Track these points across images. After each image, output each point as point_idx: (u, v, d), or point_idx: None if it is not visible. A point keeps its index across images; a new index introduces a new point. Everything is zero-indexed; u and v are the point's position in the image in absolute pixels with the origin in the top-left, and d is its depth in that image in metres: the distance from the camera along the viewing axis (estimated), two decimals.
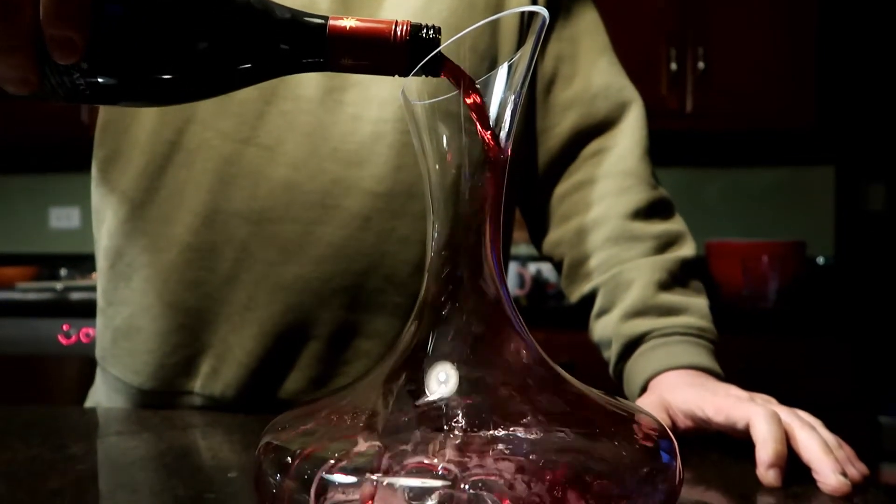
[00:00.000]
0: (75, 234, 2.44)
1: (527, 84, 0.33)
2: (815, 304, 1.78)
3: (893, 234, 2.14)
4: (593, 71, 0.66)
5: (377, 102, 0.58)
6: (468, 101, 0.32)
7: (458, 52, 0.35)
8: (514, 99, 0.32)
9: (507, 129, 0.33)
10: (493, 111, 0.32)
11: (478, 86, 0.32)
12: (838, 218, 2.15)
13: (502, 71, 0.32)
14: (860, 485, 0.40)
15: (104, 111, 0.63)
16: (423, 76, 0.33)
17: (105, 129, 0.62)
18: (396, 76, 0.34)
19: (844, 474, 0.39)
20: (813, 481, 0.40)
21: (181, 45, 0.31)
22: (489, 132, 0.32)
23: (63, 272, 2.24)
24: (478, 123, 0.32)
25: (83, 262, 2.28)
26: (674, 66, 1.88)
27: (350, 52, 0.33)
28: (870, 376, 1.68)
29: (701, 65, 1.88)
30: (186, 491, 0.38)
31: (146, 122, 0.60)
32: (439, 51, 0.33)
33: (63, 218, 2.45)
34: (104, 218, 0.63)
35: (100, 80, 0.31)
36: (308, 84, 0.58)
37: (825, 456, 0.40)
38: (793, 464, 0.41)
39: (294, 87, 0.58)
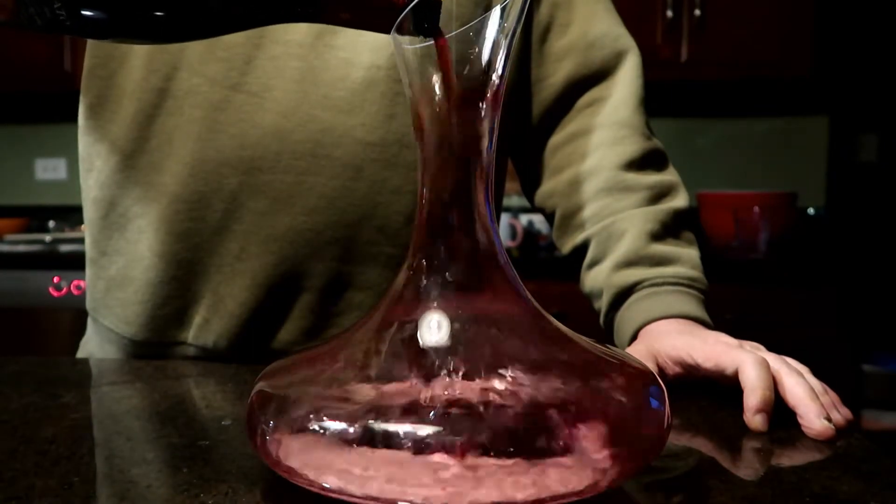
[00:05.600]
0: (62, 186, 2.41)
1: (520, 27, 0.32)
2: (806, 255, 1.79)
3: (885, 185, 2.15)
4: (589, 19, 0.64)
5: (370, 47, 0.57)
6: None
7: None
8: (507, 43, 0.32)
9: (498, 75, 0.32)
10: (484, 55, 0.31)
11: (471, 31, 0.32)
12: (830, 169, 2.15)
13: (495, 13, 0.31)
14: (844, 430, 0.41)
15: (89, 57, 0.61)
16: (419, 37, 0.32)
17: (90, 74, 0.61)
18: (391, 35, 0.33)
19: (829, 419, 0.40)
20: (798, 426, 0.40)
21: None
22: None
23: (51, 224, 2.23)
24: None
25: (71, 214, 2.26)
26: (670, 13, 1.85)
27: (348, 6, 0.32)
28: (855, 326, 1.71)
29: (697, 12, 1.85)
30: (181, 438, 0.39)
31: (133, 68, 0.58)
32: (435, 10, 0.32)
33: (49, 169, 2.42)
34: (93, 167, 0.62)
35: (81, 11, 0.30)
36: (298, 28, 0.56)
37: (811, 401, 0.41)
38: (779, 409, 0.41)
39: (283, 31, 0.56)
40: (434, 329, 0.31)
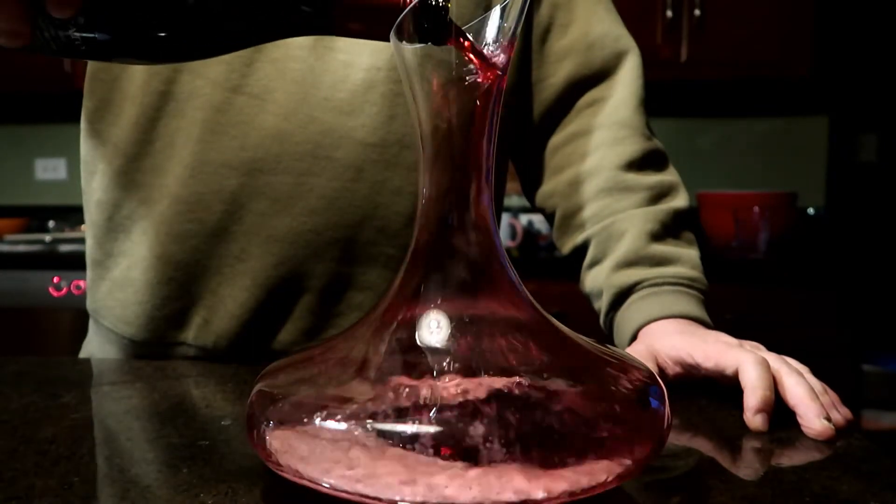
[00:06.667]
0: (62, 186, 2.41)
1: (520, 27, 0.32)
2: (806, 255, 1.79)
3: (885, 185, 2.14)
4: (590, 19, 0.64)
5: (370, 50, 0.57)
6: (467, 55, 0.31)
7: None
8: (507, 43, 0.32)
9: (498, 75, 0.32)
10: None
11: (471, 34, 0.32)
12: (830, 169, 2.15)
13: (495, 13, 0.31)
14: (843, 430, 0.41)
15: (92, 62, 0.61)
16: (427, 43, 0.32)
17: (94, 79, 0.61)
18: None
19: (829, 419, 0.40)
20: (798, 426, 0.41)
21: (182, 3, 0.30)
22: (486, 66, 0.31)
23: (51, 224, 2.23)
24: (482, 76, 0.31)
25: (71, 214, 2.26)
26: (670, 13, 1.85)
27: (357, 16, 0.32)
28: (854, 326, 1.71)
29: (697, 12, 1.85)
30: (181, 438, 0.39)
31: (135, 71, 0.58)
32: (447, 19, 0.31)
33: (49, 169, 2.42)
34: (96, 170, 0.62)
35: (96, 35, 0.30)
36: None
37: (811, 401, 0.41)
38: (779, 409, 0.41)
39: None
40: (433, 329, 0.31)
